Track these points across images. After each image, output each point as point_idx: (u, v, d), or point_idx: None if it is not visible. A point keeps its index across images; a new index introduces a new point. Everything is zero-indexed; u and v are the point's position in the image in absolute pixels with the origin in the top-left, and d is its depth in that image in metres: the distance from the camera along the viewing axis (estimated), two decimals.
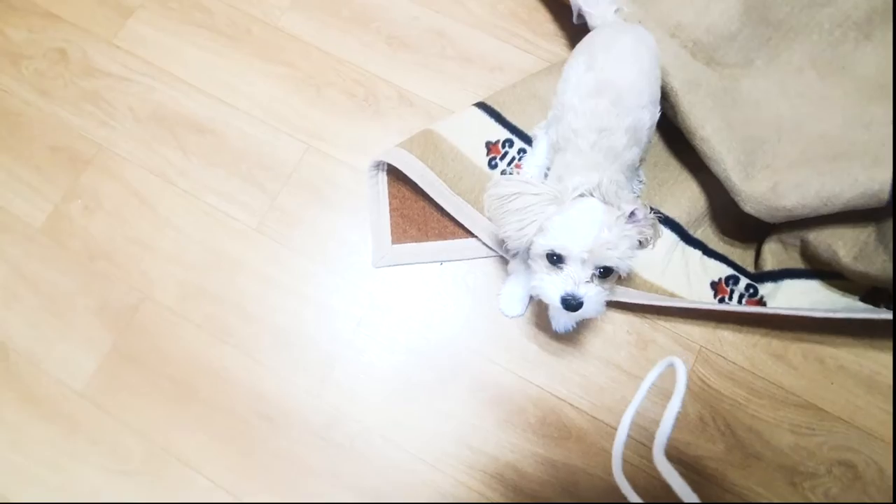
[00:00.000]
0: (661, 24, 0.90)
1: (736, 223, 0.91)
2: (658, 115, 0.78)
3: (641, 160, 0.85)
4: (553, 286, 0.63)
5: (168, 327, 0.89)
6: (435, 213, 0.93)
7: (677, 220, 0.90)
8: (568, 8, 0.94)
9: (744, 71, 0.92)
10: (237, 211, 0.95)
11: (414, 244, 0.92)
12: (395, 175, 0.93)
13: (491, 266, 0.92)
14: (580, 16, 0.91)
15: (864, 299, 0.85)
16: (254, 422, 0.85)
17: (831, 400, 0.85)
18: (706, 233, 0.93)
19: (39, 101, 1.01)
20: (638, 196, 0.90)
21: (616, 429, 0.83)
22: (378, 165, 0.93)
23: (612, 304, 0.87)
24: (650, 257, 0.86)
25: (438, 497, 0.82)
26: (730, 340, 0.88)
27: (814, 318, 0.79)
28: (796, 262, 0.88)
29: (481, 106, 0.97)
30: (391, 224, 0.93)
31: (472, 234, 0.90)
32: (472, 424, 0.85)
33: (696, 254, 0.90)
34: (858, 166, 0.76)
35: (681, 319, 0.89)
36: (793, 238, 0.87)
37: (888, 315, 0.76)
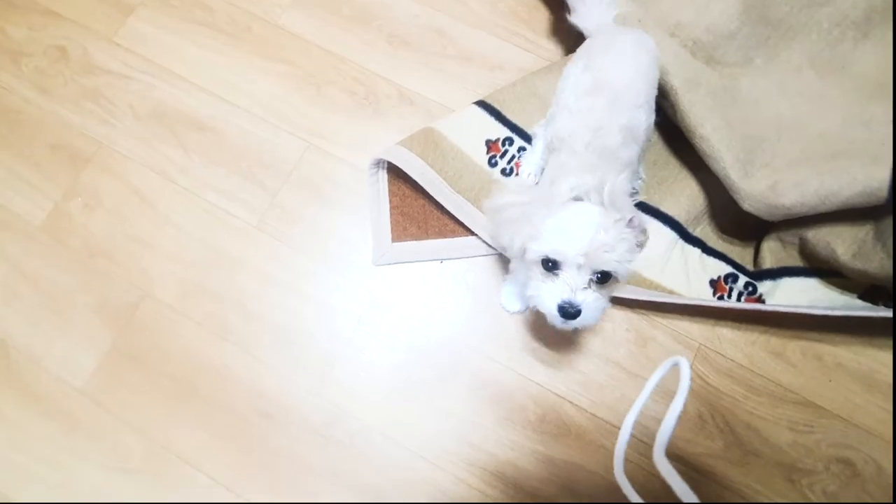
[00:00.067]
0: (661, 23, 0.90)
1: (735, 221, 0.91)
2: (654, 117, 0.78)
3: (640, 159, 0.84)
4: (549, 294, 0.59)
5: (168, 325, 0.89)
6: (435, 212, 0.93)
7: (677, 218, 0.91)
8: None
9: (743, 70, 0.92)
10: (237, 209, 0.95)
11: (414, 242, 0.92)
12: (396, 173, 0.93)
13: (491, 264, 0.92)
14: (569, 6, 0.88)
15: (862, 297, 0.85)
16: (254, 420, 0.85)
17: (830, 397, 0.85)
18: (705, 231, 0.93)
19: (39, 99, 1.00)
20: (636, 192, 0.90)
21: (616, 426, 0.85)
22: (378, 163, 0.93)
23: (612, 301, 0.86)
24: (649, 255, 0.87)
25: (438, 495, 0.82)
26: (729, 338, 0.88)
27: (812, 316, 0.79)
28: (795, 260, 0.88)
29: (481, 104, 0.97)
30: (391, 222, 0.93)
31: (472, 232, 0.90)
32: (472, 422, 0.85)
33: (696, 252, 0.91)
34: (857, 165, 0.76)
35: (680, 317, 0.89)
36: (791, 236, 0.87)
37: (887, 313, 0.77)
